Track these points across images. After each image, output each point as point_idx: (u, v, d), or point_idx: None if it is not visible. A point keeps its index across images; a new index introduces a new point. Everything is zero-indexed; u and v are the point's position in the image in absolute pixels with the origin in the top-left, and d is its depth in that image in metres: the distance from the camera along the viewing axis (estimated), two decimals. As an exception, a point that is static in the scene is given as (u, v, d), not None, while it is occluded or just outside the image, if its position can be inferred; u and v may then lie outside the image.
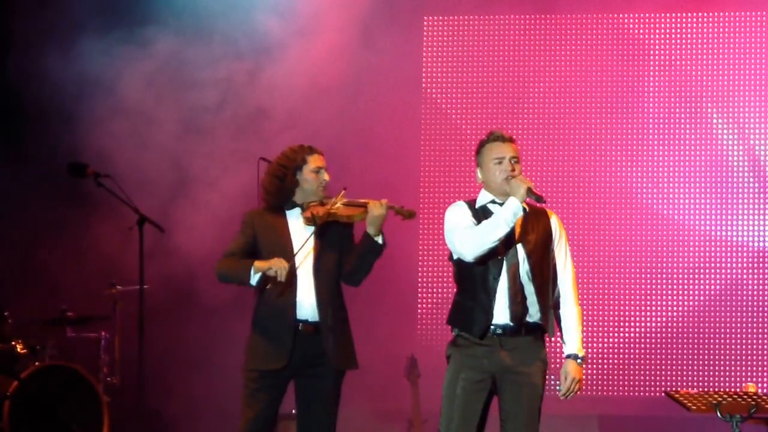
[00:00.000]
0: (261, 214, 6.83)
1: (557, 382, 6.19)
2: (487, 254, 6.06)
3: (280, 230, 6.71)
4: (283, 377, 6.65)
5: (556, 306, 6.19)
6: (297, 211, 6.74)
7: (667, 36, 10.69)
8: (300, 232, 6.70)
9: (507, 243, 6.08)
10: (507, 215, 6.02)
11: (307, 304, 6.64)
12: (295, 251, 6.60)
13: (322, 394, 6.67)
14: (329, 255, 6.70)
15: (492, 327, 6.05)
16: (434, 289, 10.80)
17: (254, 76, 10.50)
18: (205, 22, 10.64)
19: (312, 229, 6.65)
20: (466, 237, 6.09)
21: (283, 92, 10.46)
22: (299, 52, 10.49)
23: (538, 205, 6.17)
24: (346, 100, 10.65)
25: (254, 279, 6.59)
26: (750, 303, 10.45)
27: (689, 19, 10.69)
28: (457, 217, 6.19)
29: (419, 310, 10.81)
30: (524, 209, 6.15)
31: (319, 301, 6.64)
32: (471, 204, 6.21)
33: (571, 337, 6.14)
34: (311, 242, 6.62)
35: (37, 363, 9.13)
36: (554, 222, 6.25)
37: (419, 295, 10.83)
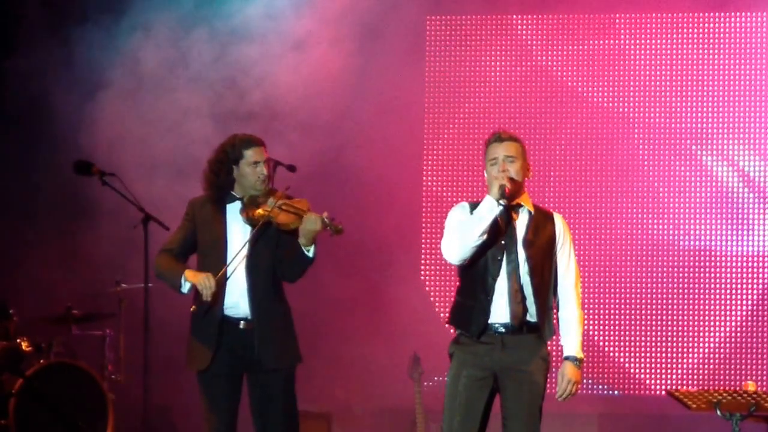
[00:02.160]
0: (203, 204, 6.73)
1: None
2: (474, 255, 6.04)
3: (218, 227, 6.64)
4: (233, 376, 6.63)
5: (558, 308, 6.19)
6: (237, 205, 6.65)
7: (668, 36, 10.71)
8: (237, 230, 6.64)
9: (509, 244, 6.08)
10: (482, 211, 6.00)
11: (242, 304, 6.59)
12: (228, 258, 6.55)
13: (267, 392, 6.61)
14: (264, 253, 6.61)
15: (495, 326, 6.06)
16: (437, 288, 10.82)
17: (257, 77, 10.52)
18: (210, 20, 10.66)
19: (249, 228, 6.60)
20: (449, 239, 6.09)
21: (286, 92, 10.48)
22: (302, 51, 10.51)
23: (541, 207, 6.19)
24: (349, 99, 10.67)
25: (185, 287, 6.58)
26: (749, 302, 10.48)
27: (690, 20, 10.71)
28: (451, 218, 6.17)
29: (422, 309, 10.83)
30: (529, 212, 6.17)
31: (253, 300, 6.58)
32: (475, 205, 6.16)
33: (571, 339, 6.13)
34: (246, 243, 6.56)
35: (42, 361, 9.14)
36: (559, 225, 6.21)
37: (422, 293, 10.85)
